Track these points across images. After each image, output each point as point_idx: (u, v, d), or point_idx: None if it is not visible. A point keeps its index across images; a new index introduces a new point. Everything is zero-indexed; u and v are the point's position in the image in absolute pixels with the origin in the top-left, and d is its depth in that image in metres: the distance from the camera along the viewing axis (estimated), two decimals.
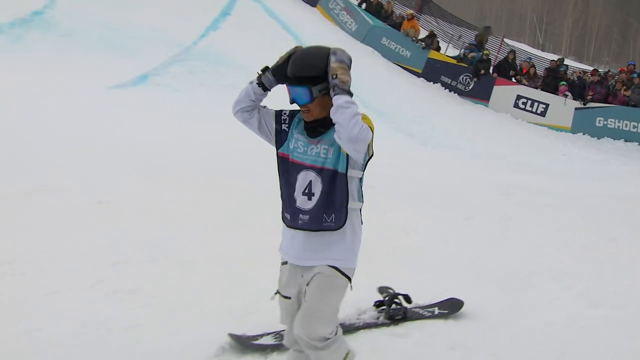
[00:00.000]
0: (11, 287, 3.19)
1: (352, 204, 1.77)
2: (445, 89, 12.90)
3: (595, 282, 4.24)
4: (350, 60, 1.66)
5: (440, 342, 3.10)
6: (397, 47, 13.34)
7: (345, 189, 1.73)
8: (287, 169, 1.78)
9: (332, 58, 1.61)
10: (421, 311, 3.54)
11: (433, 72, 13.02)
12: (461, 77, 12.92)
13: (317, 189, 1.72)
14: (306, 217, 1.74)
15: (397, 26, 13.52)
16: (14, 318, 2.81)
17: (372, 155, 1.76)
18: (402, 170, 7.71)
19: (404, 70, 13.16)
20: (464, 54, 13.35)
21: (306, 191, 1.74)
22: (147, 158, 6.41)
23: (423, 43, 13.20)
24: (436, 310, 3.55)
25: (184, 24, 12.09)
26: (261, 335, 2.89)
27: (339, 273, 1.76)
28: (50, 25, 11.47)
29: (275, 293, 1.92)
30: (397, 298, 3.41)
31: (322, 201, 1.73)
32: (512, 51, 13.58)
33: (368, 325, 3.23)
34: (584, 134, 11.75)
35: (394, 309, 3.38)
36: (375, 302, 3.43)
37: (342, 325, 2.72)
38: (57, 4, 12.04)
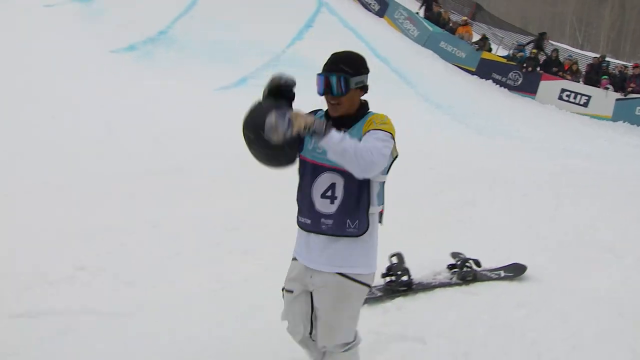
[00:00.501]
0: (154, 248, 3.67)
1: (372, 209, 1.67)
2: (496, 84, 13.28)
3: None
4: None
5: (508, 301, 3.25)
6: (453, 49, 13.80)
7: (368, 193, 1.64)
8: (306, 170, 1.65)
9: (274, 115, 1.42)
10: (489, 274, 3.69)
11: (485, 70, 13.44)
12: (510, 73, 13.30)
13: (340, 192, 1.60)
14: (329, 221, 1.62)
15: (452, 31, 13.98)
16: (156, 274, 3.25)
17: (397, 156, 1.67)
18: (461, 154, 8.13)
19: (460, 69, 13.60)
20: (513, 54, 13.75)
21: (328, 194, 1.61)
22: (239, 141, 7.42)
23: (476, 45, 13.66)
24: (502, 273, 3.70)
25: (274, 36, 13.08)
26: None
27: (352, 282, 1.65)
28: (171, 42, 13.12)
29: (282, 289, 1.83)
30: (467, 262, 3.61)
31: (346, 206, 1.61)
32: (555, 50, 13.81)
33: (443, 285, 3.46)
34: (624, 122, 11.90)
35: (465, 271, 3.57)
36: (449, 265, 3.66)
37: (420, 284, 3.37)
38: (177, 25, 13.69)
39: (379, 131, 1.55)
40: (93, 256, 3.42)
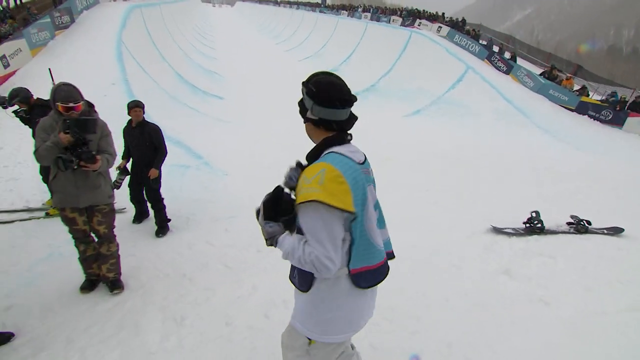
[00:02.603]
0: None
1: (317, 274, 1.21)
2: (590, 119, 13.42)
3: None
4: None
5: (610, 244, 3.79)
6: (558, 94, 14.39)
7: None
8: None
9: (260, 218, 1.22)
10: (596, 230, 4.14)
11: (582, 108, 13.78)
12: (603, 111, 13.48)
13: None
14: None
15: (559, 83, 14.65)
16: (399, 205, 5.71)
17: (354, 214, 1.19)
18: (565, 161, 8.82)
19: (563, 108, 14.08)
20: (606, 99, 14.04)
21: None
22: (418, 145, 8.68)
23: (577, 92, 14.28)
24: (605, 231, 4.12)
25: (436, 86, 14.94)
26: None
27: (296, 333, 1.38)
28: (377, 90, 16.24)
29: None
30: (582, 221, 4.07)
31: None
32: (638, 96, 13.55)
33: (564, 232, 4.05)
34: None
35: (580, 226, 4.02)
36: (568, 222, 4.22)
37: (549, 230, 4.00)
38: (381, 81, 16.83)
39: (305, 214, 1.18)
40: None
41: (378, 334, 2.31)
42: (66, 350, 2.34)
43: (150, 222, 4.27)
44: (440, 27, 20.01)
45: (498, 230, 4.22)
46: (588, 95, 14.52)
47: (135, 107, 3.78)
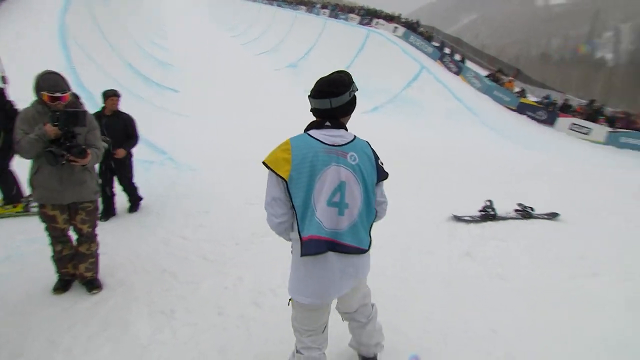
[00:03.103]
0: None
1: (292, 234, 1.50)
2: (528, 118, 14.77)
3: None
4: None
5: (549, 226, 4.35)
6: (501, 95, 15.64)
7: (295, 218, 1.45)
8: None
9: None
10: (538, 215, 4.73)
11: (522, 109, 15.03)
12: (538, 111, 14.79)
13: None
14: None
15: (502, 85, 16.00)
16: None
17: (285, 178, 1.39)
18: (509, 156, 9.46)
19: (506, 108, 15.31)
20: (541, 101, 15.48)
21: None
22: (379, 141, 8.50)
23: (518, 94, 15.68)
24: (545, 216, 4.73)
25: (394, 84, 15.67)
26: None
27: None
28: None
29: None
30: (526, 208, 4.69)
31: None
32: (567, 99, 15.42)
33: (512, 218, 4.61)
34: (612, 146, 12.78)
35: (525, 212, 4.66)
36: (515, 209, 4.77)
37: (500, 216, 4.47)
38: None
39: None
40: None
41: None
42: (49, 351, 2.27)
43: (119, 220, 4.15)
44: (396, 27, 20.85)
45: (458, 218, 4.65)
46: (526, 97, 15.90)
47: (113, 95, 3.81)
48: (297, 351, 1.64)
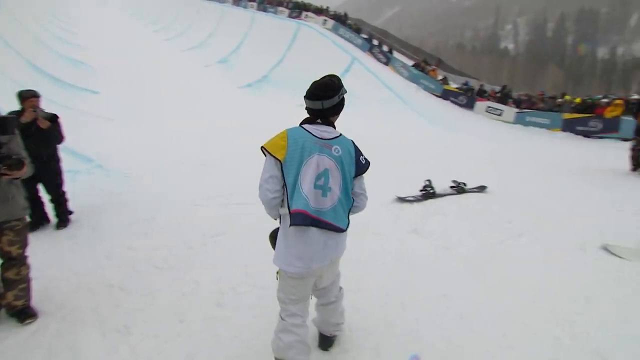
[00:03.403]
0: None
1: (282, 210, 1.72)
2: (451, 103, 16.01)
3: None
4: None
5: (480, 198, 4.87)
6: (427, 83, 16.75)
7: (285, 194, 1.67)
8: None
9: None
10: (470, 189, 5.16)
11: (446, 95, 16.24)
12: (459, 97, 16.08)
13: None
14: None
15: (427, 74, 17.19)
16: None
17: (281, 162, 1.64)
18: (438, 141, 9.85)
19: (432, 94, 16.38)
20: (461, 87, 16.83)
21: None
22: None
23: (441, 81, 16.83)
24: (475, 190, 5.22)
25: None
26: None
27: None
28: (270, 81, 16.47)
29: None
30: (460, 184, 5.10)
31: None
32: (482, 84, 16.93)
33: (450, 194, 5.00)
34: (520, 125, 14.02)
35: (459, 188, 5.04)
36: (451, 186, 5.14)
37: (439, 194, 4.83)
38: (272, 72, 16.99)
39: None
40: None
41: None
42: None
43: (48, 238, 3.71)
44: (325, 20, 21.15)
45: (402, 199, 4.96)
46: (448, 84, 17.15)
47: (32, 97, 3.46)
48: (282, 318, 1.80)
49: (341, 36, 20.04)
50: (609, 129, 12.38)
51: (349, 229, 1.81)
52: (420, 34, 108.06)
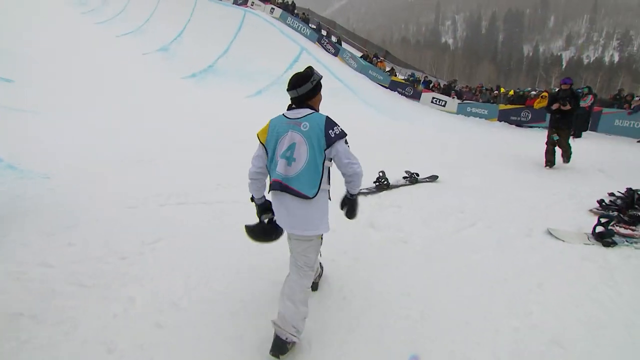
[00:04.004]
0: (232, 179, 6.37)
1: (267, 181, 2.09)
2: (399, 94, 16.36)
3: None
4: None
5: (432, 188, 4.92)
6: (375, 74, 16.94)
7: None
8: None
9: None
10: (422, 179, 5.18)
11: (393, 86, 16.55)
12: (406, 88, 16.49)
13: None
14: None
15: (375, 65, 17.40)
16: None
17: (263, 142, 2.01)
18: (388, 130, 10.07)
19: (379, 85, 16.63)
20: (407, 78, 17.39)
21: None
22: (260, 125, 9.29)
23: (389, 72, 17.20)
24: (427, 179, 5.23)
25: (275, 66, 15.54)
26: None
27: None
28: (216, 71, 15.62)
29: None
30: (413, 174, 5.06)
31: None
32: (426, 76, 17.81)
33: (404, 185, 4.94)
34: (461, 115, 14.75)
35: (412, 179, 5.00)
36: (403, 177, 5.12)
37: (393, 185, 4.76)
38: (218, 62, 16.16)
39: None
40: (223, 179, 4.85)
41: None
42: None
43: None
44: (273, 8, 20.41)
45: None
46: (396, 76, 17.59)
47: None
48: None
49: (289, 26, 19.49)
50: (538, 119, 13.41)
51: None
52: (366, 27, 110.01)
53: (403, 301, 2.59)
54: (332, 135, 1.92)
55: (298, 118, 1.96)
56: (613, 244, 3.26)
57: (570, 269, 2.95)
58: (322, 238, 2.11)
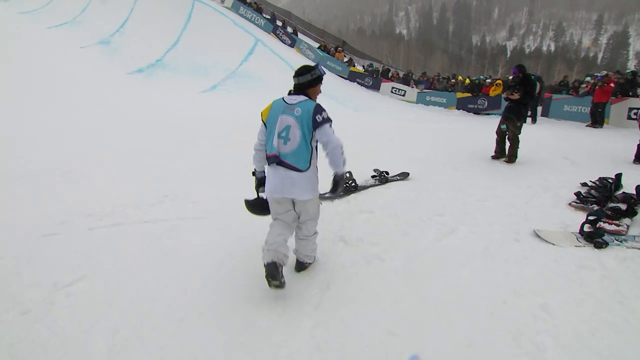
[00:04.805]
0: (192, 187, 4.27)
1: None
2: (358, 85, 16.28)
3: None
4: None
5: (404, 188, 4.37)
6: (334, 65, 16.64)
7: None
8: None
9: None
10: (393, 178, 4.64)
11: (352, 77, 16.35)
12: (365, 78, 16.41)
13: None
14: None
15: (332, 55, 17.09)
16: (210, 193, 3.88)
17: (264, 122, 2.36)
18: (351, 122, 9.00)
19: (338, 76, 16.33)
20: (366, 68, 17.39)
21: None
22: (222, 122, 7.98)
23: (347, 63, 16.92)
24: (398, 177, 4.69)
25: (230, 58, 14.70)
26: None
27: None
28: (165, 65, 14.47)
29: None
30: (382, 173, 4.54)
31: None
32: (384, 66, 17.59)
33: (373, 185, 4.40)
34: (421, 104, 14.91)
35: (382, 177, 4.46)
36: (372, 175, 4.58)
37: (361, 186, 4.20)
38: (167, 55, 14.94)
39: None
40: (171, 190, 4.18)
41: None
42: None
43: None
44: None
45: (322, 197, 4.21)
46: (355, 66, 17.33)
47: None
48: (270, 228, 2.49)
49: (242, 16, 18.37)
50: (493, 106, 13.60)
51: None
52: (322, 18, 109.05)
53: (389, 344, 2.06)
54: (319, 120, 2.25)
55: (293, 104, 2.29)
56: (605, 244, 2.96)
57: (572, 282, 2.59)
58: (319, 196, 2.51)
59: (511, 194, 4.36)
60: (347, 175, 4.45)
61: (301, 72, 2.35)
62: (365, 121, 10.40)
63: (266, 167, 2.39)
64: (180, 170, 4.96)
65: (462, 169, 5.43)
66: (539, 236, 3.21)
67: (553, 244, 3.08)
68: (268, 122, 2.32)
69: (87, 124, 7.48)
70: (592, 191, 4.14)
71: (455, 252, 3.03)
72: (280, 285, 2.25)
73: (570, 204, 3.96)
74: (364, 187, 4.59)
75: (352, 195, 4.33)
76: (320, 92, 2.42)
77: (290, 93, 2.37)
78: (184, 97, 11.58)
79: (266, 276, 2.25)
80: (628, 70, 10.84)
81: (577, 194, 4.06)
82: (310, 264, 2.70)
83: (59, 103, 8.89)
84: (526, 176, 5.07)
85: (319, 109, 2.28)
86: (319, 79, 2.36)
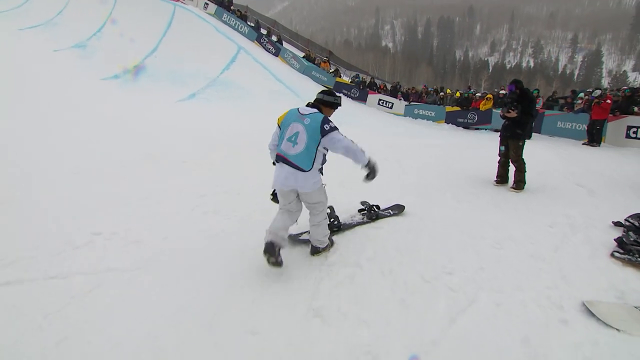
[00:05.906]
0: (147, 215, 3.42)
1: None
2: (344, 96, 15.42)
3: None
4: None
5: (399, 227, 3.44)
6: (319, 75, 15.92)
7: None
8: None
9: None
10: (384, 213, 3.76)
11: (338, 88, 15.51)
12: (352, 89, 15.73)
13: None
14: None
15: (318, 65, 16.35)
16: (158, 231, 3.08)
17: (279, 126, 2.70)
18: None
19: (324, 87, 14.53)
20: (352, 80, 16.52)
21: None
22: (195, 134, 7.28)
23: (333, 73, 16.22)
24: (391, 212, 3.80)
25: (211, 66, 13.95)
26: (302, 234, 3.25)
27: None
28: (143, 72, 13.54)
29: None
30: (372, 207, 3.69)
31: None
32: (373, 78, 16.65)
33: (359, 223, 3.53)
34: (409, 117, 14.45)
35: (371, 213, 3.66)
36: (359, 209, 3.76)
37: (345, 224, 3.38)
38: (146, 61, 14.03)
39: None
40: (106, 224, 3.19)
41: None
42: None
43: None
44: (207, 3, 18.16)
45: (294, 238, 3.22)
46: (340, 77, 16.57)
47: None
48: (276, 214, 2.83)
49: (225, 23, 17.43)
50: (483, 121, 12.91)
51: None
52: (309, 29, 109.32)
53: None
54: (327, 129, 2.57)
55: (305, 114, 2.63)
56: None
57: None
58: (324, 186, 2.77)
59: (532, 237, 3.42)
60: (329, 210, 3.44)
61: (329, 92, 2.79)
62: (352, 136, 9.46)
63: (276, 166, 2.69)
64: (130, 198, 3.89)
65: (464, 199, 4.50)
66: (592, 313, 2.25)
67: (617, 330, 2.12)
68: (282, 125, 2.65)
69: (41, 137, 6.19)
70: (631, 233, 3.24)
71: (478, 343, 2.03)
72: (277, 263, 2.54)
73: (612, 254, 3.05)
74: (349, 226, 3.60)
75: (334, 237, 3.31)
76: (331, 114, 2.79)
77: (308, 105, 2.73)
78: (161, 104, 10.70)
79: (264, 252, 2.54)
80: (626, 88, 10.26)
81: (619, 240, 3.15)
82: (323, 248, 2.93)
83: (29, 110, 7.69)
84: (541, 210, 4.16)
85: (326, 120, 2.62)
86: (335, 106, 2.77)
